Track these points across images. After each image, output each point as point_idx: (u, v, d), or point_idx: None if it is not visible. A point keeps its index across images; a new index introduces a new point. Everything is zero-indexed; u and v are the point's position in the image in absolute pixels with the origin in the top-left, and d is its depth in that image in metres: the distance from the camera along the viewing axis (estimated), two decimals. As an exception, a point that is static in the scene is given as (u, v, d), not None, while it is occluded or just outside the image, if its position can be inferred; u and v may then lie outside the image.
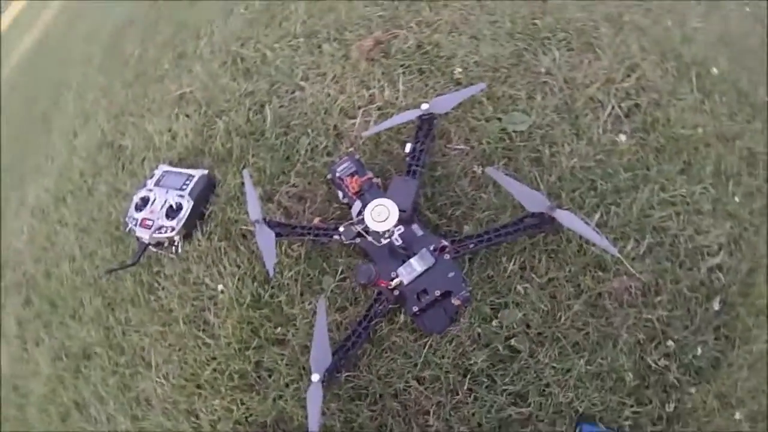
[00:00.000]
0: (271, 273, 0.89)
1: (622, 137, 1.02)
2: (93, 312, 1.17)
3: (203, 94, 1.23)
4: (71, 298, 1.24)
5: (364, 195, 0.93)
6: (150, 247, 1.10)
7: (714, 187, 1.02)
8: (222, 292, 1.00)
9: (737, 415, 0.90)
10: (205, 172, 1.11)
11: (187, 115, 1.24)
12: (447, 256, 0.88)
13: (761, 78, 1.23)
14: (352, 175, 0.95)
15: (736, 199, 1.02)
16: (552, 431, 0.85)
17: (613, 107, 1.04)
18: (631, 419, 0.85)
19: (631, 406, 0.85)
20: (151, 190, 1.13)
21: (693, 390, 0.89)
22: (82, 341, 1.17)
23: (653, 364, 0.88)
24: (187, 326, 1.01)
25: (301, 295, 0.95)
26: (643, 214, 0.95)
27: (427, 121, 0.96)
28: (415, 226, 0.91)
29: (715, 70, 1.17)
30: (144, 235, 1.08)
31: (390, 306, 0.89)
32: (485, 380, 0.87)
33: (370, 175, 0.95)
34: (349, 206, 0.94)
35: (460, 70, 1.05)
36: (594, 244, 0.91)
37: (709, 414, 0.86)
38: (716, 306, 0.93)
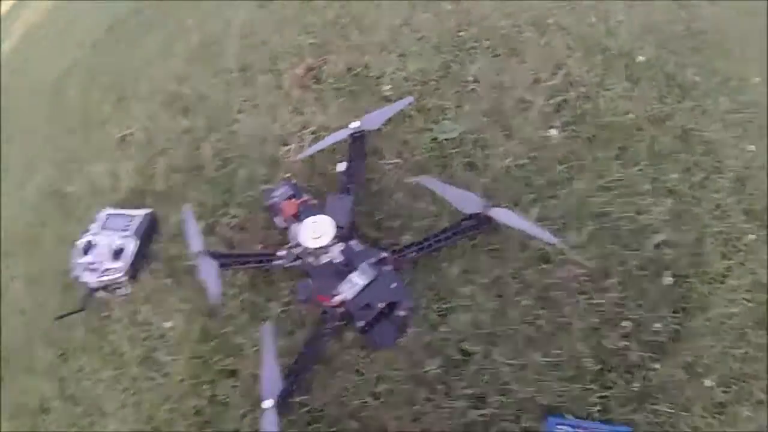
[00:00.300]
0: (217, 301, 0.88)
1: (554, 132, 1.05)
2: (46, 364, 1.14)
3: (144, 135, 1.24)
4: (24, 352, 1.21)
5: (302, 217, 0.93)
6: (98, 291, 1.08)
7: (651, 167, 1.04)
8: (171, 328, 0.99)
9: (707, 383, 0.90)
10: (149, 211, 1.11)
11: (130, 158, 1.23)
12: (388, 268, 0.89)
13: (688, 60, 1.28)
14: (288, 198, 0.95)
15: (674, 175, 1.05)
16: (518, 428, 0.84)
17: (542, 105, 1.07)
18: (598, 404, 0.84)
19: (597, 392, 0.84)
20: (95, 234, 1.12)
21: (657, 366, 0.88)
22: (37, 395, 1.13)
23: (612, 347, 0.88)
24: (140, 368, 0.99)
25: (249, 323, 0.94)
26: (582, 203, 0.97)
27: (358, 139, 0.98)
28: (354, 242, 0.91)
29: (641, 58, 1.21)
30: (91, 279, 1.06)
31: (337, 324, 0.89)
32: (442, 387, 0.86)
33: (306, 197, 0.95)
34: (288, 230, 0.94)
35: (389, 87, 1.07)
36: (534, 238, 0.92)
37: (678, 386, 0.85)
38: (668, 280, 0.93)
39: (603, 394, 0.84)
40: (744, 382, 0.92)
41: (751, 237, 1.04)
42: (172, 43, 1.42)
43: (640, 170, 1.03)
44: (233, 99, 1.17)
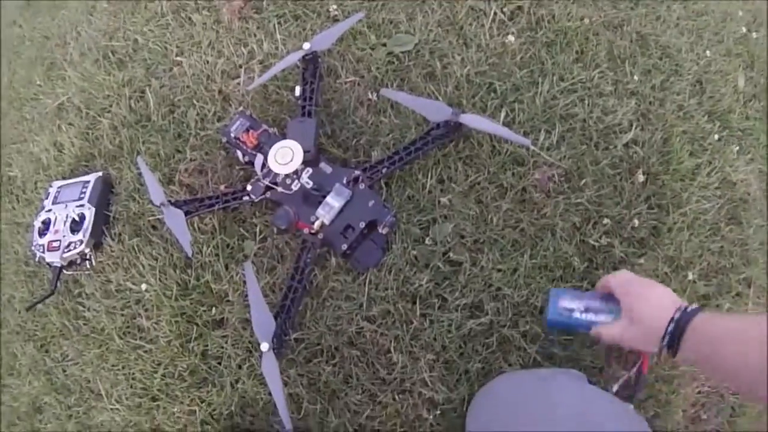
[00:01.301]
0: (190, 253, 0.85)
1: (511, 38, 1.02)
2: (29, 360, 1.08)
3: (81, 98, 1.15)
4: (3, 355, 1.15)
5: (264, 147, 0.89)
6: (64, 270, 1.02)
7: (611, 71, 1.04)
8: (146, 290, 0.94)
9: (690, 276, 0.93)
10: (100, 174, 1.04)
11: (70, 123, 1.15)
12: (362, 186, 0.86)
13: None
14: (247, 131, 0.90)
15: (636, 77, 1.05)
16: (517, 333, 0.85)
17: (495, 13, 1.04)
18: None
19: (586, 289, 0.85)
20: (50, 210, 1.05)
21: (641, 260, 0.91)
22: (28, 396, 1.08)
23: (596, 244, 0.90)
24: (123, 339, 0.95)
25: (226, 267, 0.91)
26: (548, 106, 0.96)
27: (311, 61, 0.93)
28: (322, 164, 0.88)
29: None
30: (54, 258, 1.00)
31: (318, 251, 0.86)
32: (436, 301, 0.86)
33: (265, 127, 0.91)
34: (252, 164, 0.90)
35: (335, 6, 1.01)
36: (507, 141, 0.91)
37: (662, 280, 0.87)
38: (641, 178, 0.95)
39: None
40: (723, 275, 0.95)
41: (715, 137, 1.07)
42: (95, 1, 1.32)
43: (601, 72, 1.02)
44: (170, 42, 1.09)
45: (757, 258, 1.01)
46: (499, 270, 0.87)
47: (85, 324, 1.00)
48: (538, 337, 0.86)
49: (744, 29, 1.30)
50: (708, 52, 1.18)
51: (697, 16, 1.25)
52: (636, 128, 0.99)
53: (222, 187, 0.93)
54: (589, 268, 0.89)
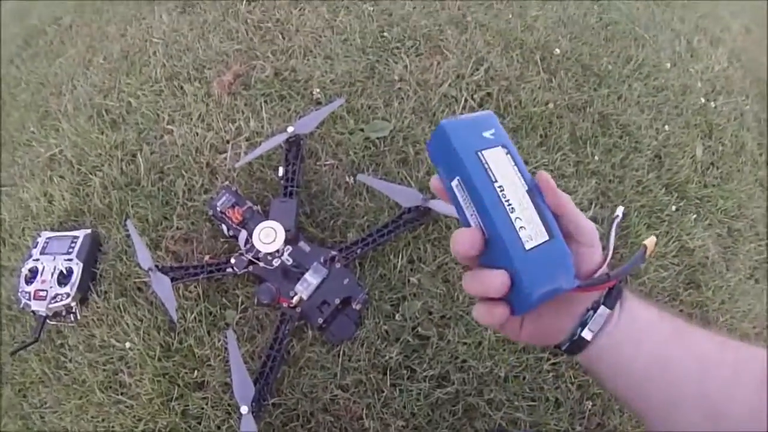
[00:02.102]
0: (175, 318, 0.91)
1: (479, 124, 1.12)
2: (6, 404, 1.11)
3: (74, 152, 1.20)
4: None
5: (248, 224, 0.97)
6: (48, 319, 1.06)
7: (573, 152, 1.14)
8: (130, 349, 0.99)
9: None
10: (89, 231, 1.10)
11: (61, 176, 1.20)
12: (338, 265, 0.94)
13: (602, 50, 1.38)
14: (232, 206, 0.98)
15: (596, 157, 1.15)
16: (482, 401, 0.91)
17: (466, 100, 1.14)
18: (551, 371, 0.94)
19: (548, 359, 0.94)
20: (37, 260, 1.09)
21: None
22: None
23: None
24: (105, 393, 0.98)
25: (209, 333, 0.96)
26: (513, 189, 1.05)
27: (294, 143, 1.01)
28: (301, 243, 0.96)
29: (557, 51, 1.30)
30: (40, 307, 1.04)
31: (296, 324, 0.94)
32: (405, 372, 0.92)
33: (249, 204, 0.99)
34: (236, 238, 0.98)
35: (318, 90, 1.10)
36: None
37: None
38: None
39: (554, 361, 0.94)
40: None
41: (673, 208, 1.16)
42: (94, 53, 1.37)
43: (564, 155, 1.12)
44: (163, 110, 1.16)
45: (717, 317, 1.09)
46: (465, 343, 0.94)
47: (66, 374, 1.03)
48: (503, 404, 0.92)
49: (702, 100, 1.42)
50: (667, 126, 1.29)
51: (658, 92, 1.36)
52: (595, 206, 1.08)
53: (207, 258, 1.00)
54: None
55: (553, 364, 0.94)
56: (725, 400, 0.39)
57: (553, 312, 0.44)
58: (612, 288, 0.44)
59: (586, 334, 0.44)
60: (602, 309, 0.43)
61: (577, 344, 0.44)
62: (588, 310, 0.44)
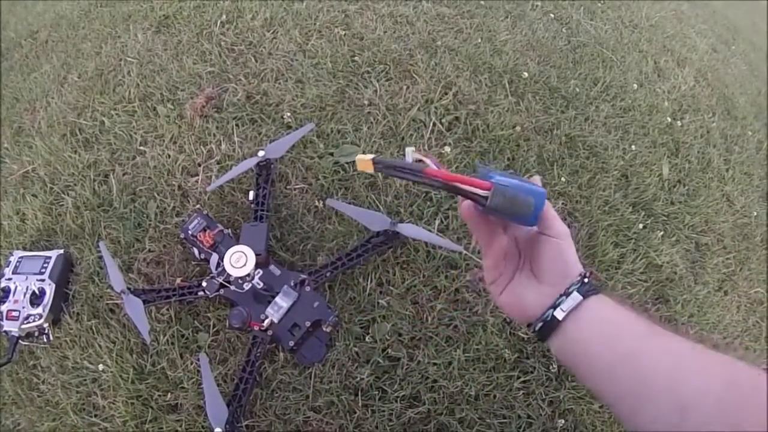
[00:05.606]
0: (148, 341, 0.92)
1: (447, 149, 1.15)
2: None
3: (47, 171, 1.21)
4: None
5: (219, 247, 0.99)
6: (20, 340, 1.07)
7: (540, 174, 1.17)
8: (103, 371, 1.00)
9: None
10: (61, 251, 1.10)
11: (34, 195, 1.21)
12: (308, 288, 0.97)
13: (570, 72, 1.42)
14: (204, 230, 1.00)
15: (563, 179, 1.19)
16: (454, 420, 0.94)
17: (434, 124, 1.17)
18: (522, 389, 0.96)
19: (518, 377, 0.96)
20: (10, 279, 1.10)
21: None
22: None
23: (525, 336, 0.99)
24: (79, 416, 0.98)
25: (181, 356, 0.98)
26: (479, 212, 1.09)
27: (265, 167, 1.03)
28: (272, 267, 0.98)
29: (525, 74, 1.34)
30: (13, 328, 1.03)
31: (267, 347, 0.96)
32: (377, 393, 0.94)
33: (220, 227, 1.00)
34: (207, 261, 1.00)
35: (289, 114, 1.12)
36: (440, 247, 1.02)
37: None
38: None
39: (525, 378, 0.96)
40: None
41: (640, 226, 1.20)
42: (69, 70, 1.38)
43: (531, 176, 1.15)
44: (136, 130, 1.17)
45: (687, 330, 1.12)
46: (435, 364, 0.96)
47: (39, 396, 1.04)
48: (474, 423, 0.94)
49: (669, 119, 1.46)
50: (634, 146, 1.33)
51: (624, 113, 1.41)
52: (562, 227, 1.12)
53: (179, 281, 1.01)
54: (520, 358, 0.99)
55: (524, 381, 0.97)
56: (694, 394, 0.40)
57: (534, 285, 0.51)
58: (587, 278, 0.49)
59: (558, 314, 0.48)
60: (575, 294, 0.48)
61: (549, 325, 0.48)
62: (561, 295, 0.48)
